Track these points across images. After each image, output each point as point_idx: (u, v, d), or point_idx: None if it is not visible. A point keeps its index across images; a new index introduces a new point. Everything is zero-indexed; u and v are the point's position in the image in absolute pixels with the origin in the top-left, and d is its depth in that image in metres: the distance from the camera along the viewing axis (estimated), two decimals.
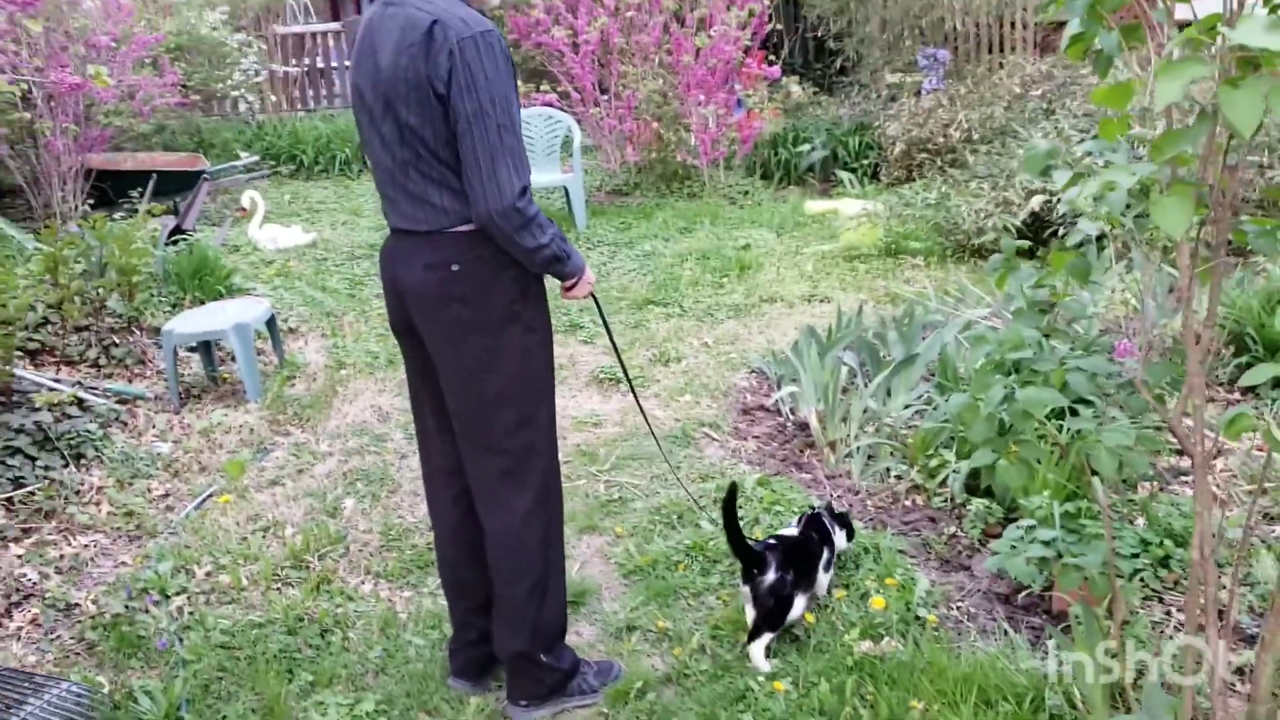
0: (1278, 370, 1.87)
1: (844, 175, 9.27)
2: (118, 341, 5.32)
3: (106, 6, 8.36)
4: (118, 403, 4.72)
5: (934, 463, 3.86)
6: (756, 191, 9.09)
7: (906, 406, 4.32)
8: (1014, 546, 2.85)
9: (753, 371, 5.14)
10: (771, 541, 3.00)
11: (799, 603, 2.91)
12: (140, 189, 8.16)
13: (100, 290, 5.39)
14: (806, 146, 9.41)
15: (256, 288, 6.50)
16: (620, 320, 5.96)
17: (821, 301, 6.17)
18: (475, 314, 2.43)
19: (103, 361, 5.22)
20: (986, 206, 6.66)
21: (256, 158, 10.11)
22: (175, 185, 8.70)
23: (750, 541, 2.94)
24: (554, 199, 9.09)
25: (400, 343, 2.68)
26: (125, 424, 4.62)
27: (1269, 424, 2.98)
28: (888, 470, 3.99)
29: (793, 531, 3.12)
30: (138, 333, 5.48)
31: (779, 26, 10.08)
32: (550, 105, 8.86)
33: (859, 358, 4.69)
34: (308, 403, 4.84)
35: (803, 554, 2.98)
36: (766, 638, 2.85)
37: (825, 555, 3.08)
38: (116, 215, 7.10)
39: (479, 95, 2.24)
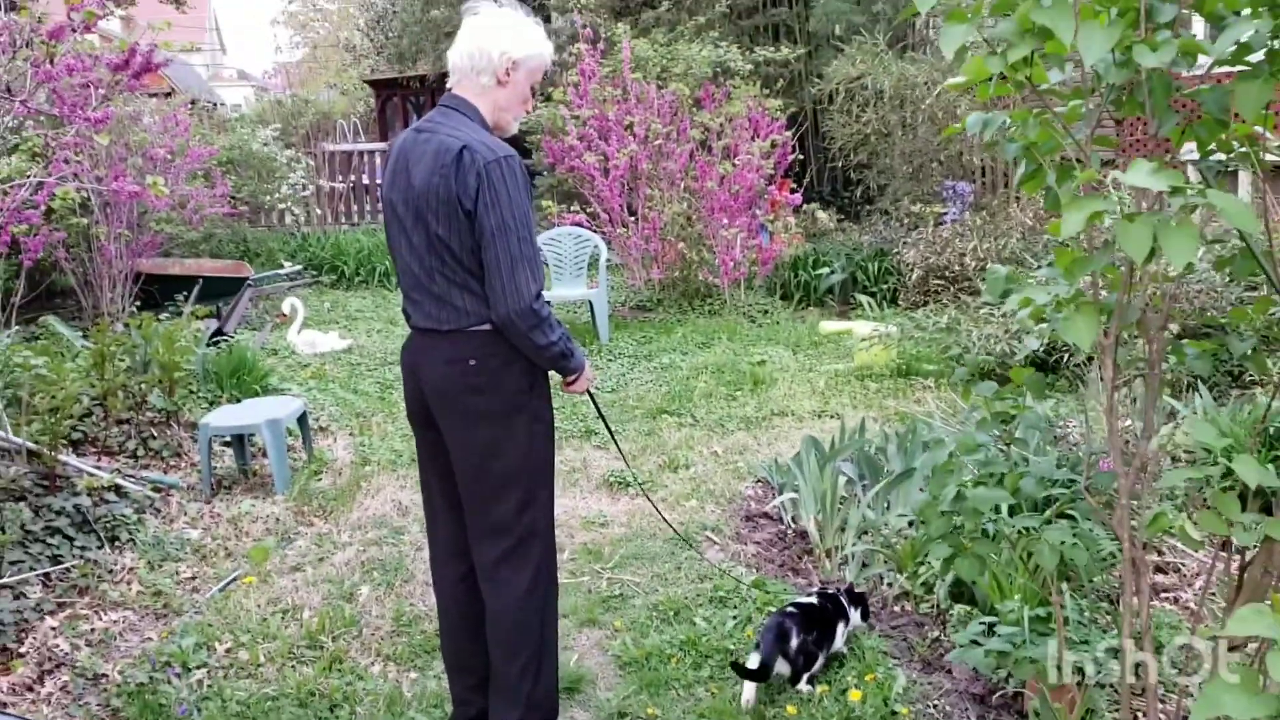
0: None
1: (863, 299, 9.59)
2: (156, 434, 5.63)
3: (165, 122, 8.95)
4: (153, 490, 4.99)
5: (923, 570, 4.04)
6: (776, 311, 9.42)
7: (901, 515, 4.51)
8: (975, 642, 3.02)
9: (758, 480, 5.35)
10: (791, 610, 3.38)
11: (820, 658, 3.36)
12: (186, 293, 8.61)
13: (143, 386, 5.72)
14: (826, 270, 9.77)
15: (291, 388, 6.83)
16: (633, 428, 6.22)
17: (831, 418, 6.40)
18: (488, 403, 2.70)
19: (141, 453, 5.51)
20: (996, 332, 6.92)
21: (299, 267, 10.61)
22: (219, 290, 9.16)
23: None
24: (580, 313, 9.45)
25: (415, 431, 2.94)
26: (159, 510, 4.88)
27: (1184, 521, 3.16)
28: (880, 577, 4.17)
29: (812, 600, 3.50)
30: (175, 427, 5.79)
31: (802, 157, 10.52)
32: (580, 225, 9.30)
33: (859, 469, 4.90)
34: (332, 495, 5.10)
35: (819, 618, 3.40)
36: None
37: (841, 627, 3.47)
38: (162, 316, 7.50)
39: (502, 211, 2.57)
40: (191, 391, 6.14)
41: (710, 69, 10.43)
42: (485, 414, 2.71)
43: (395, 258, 2.82)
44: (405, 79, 17.40)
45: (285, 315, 8.75)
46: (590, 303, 8.66)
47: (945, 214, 10.94)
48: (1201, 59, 1.90)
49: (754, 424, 6.29)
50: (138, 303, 8.58)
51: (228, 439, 5.66)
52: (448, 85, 2.81)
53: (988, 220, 9.36)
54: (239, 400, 6.30)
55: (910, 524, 4.42)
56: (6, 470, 4.33)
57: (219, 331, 8.06)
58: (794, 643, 3.25)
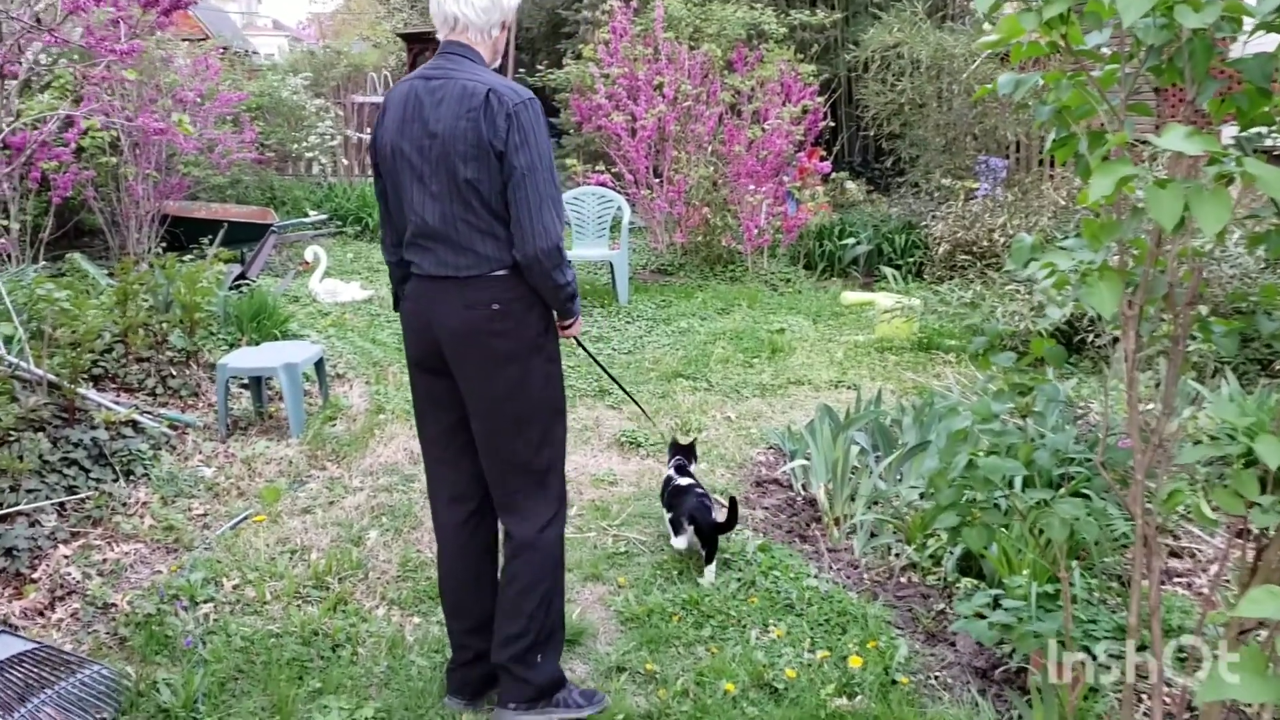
0: None
1: (888, 271, 9.50)
2: (175, 373, 5.65)
3: (196, 65, 8.93)
4: (169, 428, 5.02)
5: (931, 543, 4.02)
6: (798, 280, 9.36)
7: (913, 488, 4.48)
8: (980, 614, 3.00)
9: (770, 447, 5.33)
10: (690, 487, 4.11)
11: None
12: (211, 236, 8.62)
13: (164, 325, 5.74)
14: (851, 240, 9.69)
15: (310, 334, 6.84)
16: (648, 390, 6.20)
17: (848, 388, 6.36)
18: (510, 345, 2.76)
19: (159, 391, 5.54)
20: (1020, 309, 6.85)
21: (324, 216, 10.61)
22: (244, 236, 9.17)
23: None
24: (600, 274, 9.42)
25: (419, 379, 2.96)
26: (174, 448, 4.91)
27: (1200, 501, 3.13)
28: (888, 548, 4.15)
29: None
30: (194, 367, 5.81)
31: (834, 125, 10.41)
32: (604, 185, 9.25)
33: (873, 439, 4.87)
34: (345, 441, 5.11)
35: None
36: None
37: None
38: (185, 259, 7.53)
39: (530, 152, 2.64)
40: (211, 333, 6.16)
41: (744, 31, 10.33)
42: (508, 356, 2.76)
43: (395, 206, 2.84)
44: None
45: (308, 263, 8.76)
46: (611, 264, 8.63)
47: (977, 189, 10.83)
48: (1247, 22, 1.84)
49: (770, 391, 6.26)
50: (163, 244, 8.61)
51: (245, 381, 5.68)
52: (442, 39, 2.82)
53: (1019, 197, 9.24)
54: (258, 344, 6.32)
55: (921, 496, 4.40)
56: (26, 400, 4.36)
57: (242, 276, 8.07)
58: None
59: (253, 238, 9.08)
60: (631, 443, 5.30)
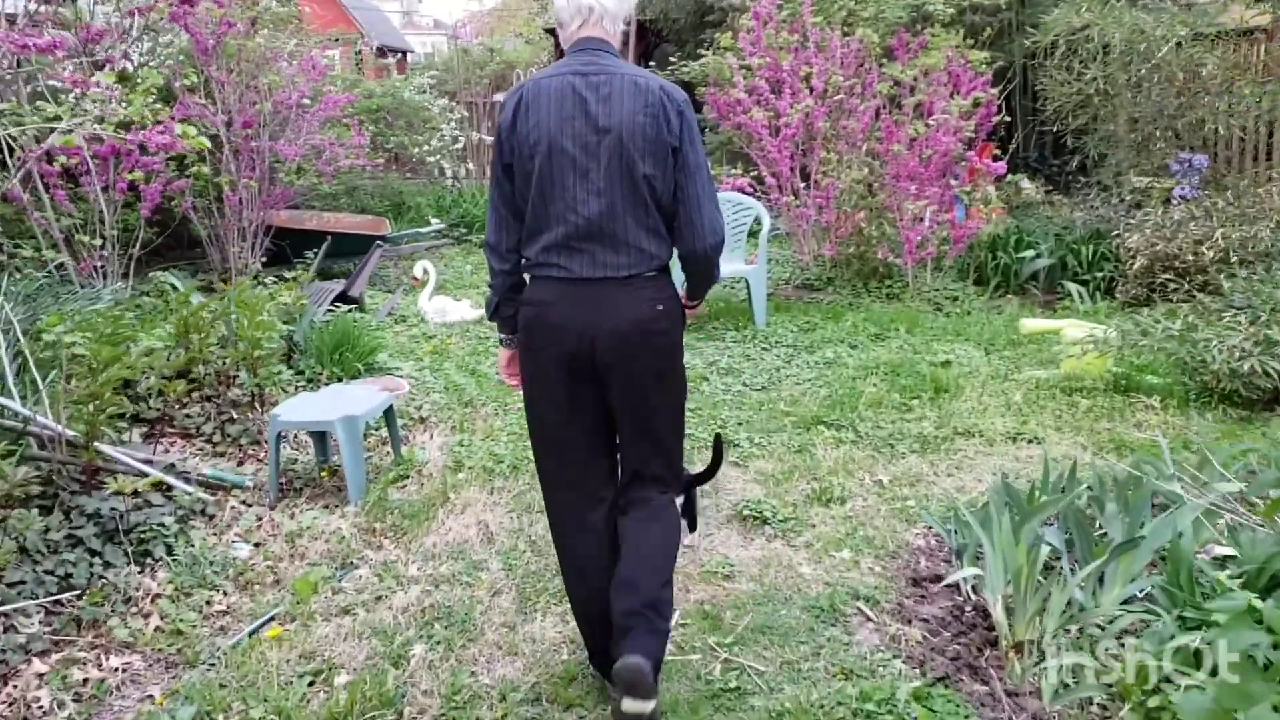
0: None
1: (1072, 288, 8.19)
2: (235, 417, 4.96)
3: (302, 65, 8.34)
4: (206, 492, 4.30)
5: (1153, 703, 2.89)
6: (967, 299, 8.13)
7: (1124, 608, 3.35)
8: None
9: (932, 527, 4.25)
10: None
11: None
12: (316, 250, 8.02)
13: (225, 361, 5.06)
14: (1030, 253, 8.38)
15: (401, 367, 6.08)
16: (781, 441, 5.19)
17: (1029, 442, 5.20)
18: (670, 342, 2.85)
19: (218, 438, 4.87)
20: (1243, 344, 5.53)
21: (441, 225, 9.94)
22: (353, 248, 8.56)
23: None
24: (735, 290, 8.42)
25: (560, 387, 2.83)
26: (210, 516, 4.18)
27: None
28: (1090, 700, 3.04)
29: None
30: (259, 409, 5.11)
31: (1008, 119, 9.10)
32: (741, 190, 8.22)
33: (1064, 529, 3.75)
34: (410, 511, 4.27)
35: None
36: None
37: None
38: (288, 274, 6.93)
39: (699, 150, 2.76)
40: (277, 372, 5.42)
41: (905, 13, 9.12)
42: (669, 354, 2.86)
43: (538, 208, 2.75)
44: None
45: (418, 279, 8.06)
46: (747, 280, 7.61)
47: (1175, 190, 9.35)
48: None
49: (931, 445, 5.16)
50: (264, 258, 8.05)
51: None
52: (573, 33, 2.82)
53: (1231, 203, 7.79)
54: (339, 378, 5.60)
55: (1142, 621, 3.27)
56: (14, 473, 3.65)
57: (344, 295, 7.42)
58: None
59: (363, 250, 8.45)
60: (756, 517, 4.30)
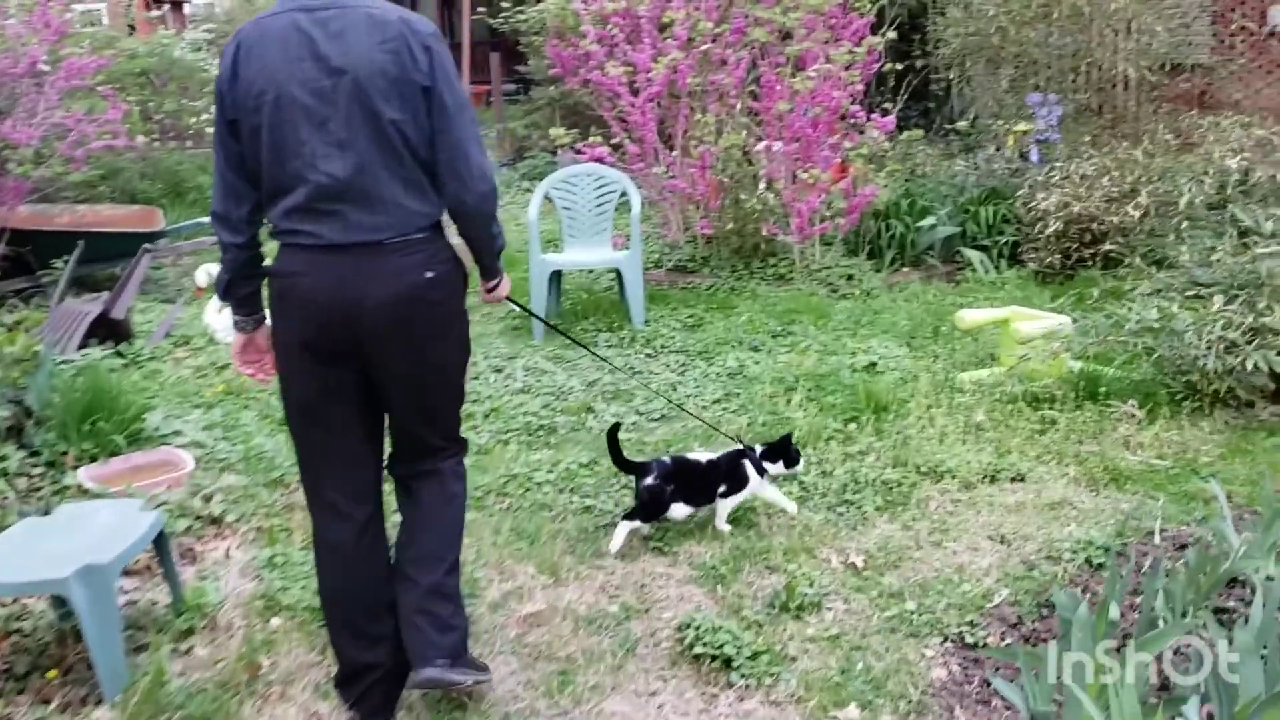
0: None
1: (973, 255, 7.26)
2: None
3: (33, 21, 6.44)
4: None
5: None
6: (864, 276, 7.05)
7: None
8: None
9: (949, 640, 3.11)
10: (665, 459, 3.66)
11: (677, 508, 3.61)
12: (67, 257, 6.25)
13: None
14: (930, 220, 7.37)
15: (182, 430, 4.50)
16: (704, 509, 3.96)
17: (1013, 480, 4.14)
18: (445, 314, 2.60)
19: None
20: (1232, 334, 4.61)
21: None
22: (119, 249, 6.80)
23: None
24: (600, 283, 7.10)
25: (314, 371, 2.55)
26: None
27: None
28: None
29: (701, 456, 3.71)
30: None
31: (897, 66, 8.01)
32: (599, 161, 6.87)
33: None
34: (199, 711, 2.78)
35: (693, 475, 3.64)
36: (635, 523, 3.61)
37: (725, 486, 3.68)
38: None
39: (455, 88, 2.46)
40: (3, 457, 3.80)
41: None
42: (444, 325, 2.61)
43: (271, 168, 2.42)
44: None
45: (202, 288, 6.39)
46: (619, 270, 6.30)
47: (1030, 135, 8.55)
48: None
49: (897, 497, 4.01)
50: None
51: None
52: None
53: (1148, 156, 6.96)
54: (94, 459, 4.03)
55: None
56: None
57: (102, 319, 5.71)
58: (646, 480, 3.57)
59: (132, 250, 6.67)
60: (714, 657, 3.02)
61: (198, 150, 9.92)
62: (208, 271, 6.29)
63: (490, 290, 2.81)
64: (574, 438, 4.69)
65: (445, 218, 2.60)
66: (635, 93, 7.06)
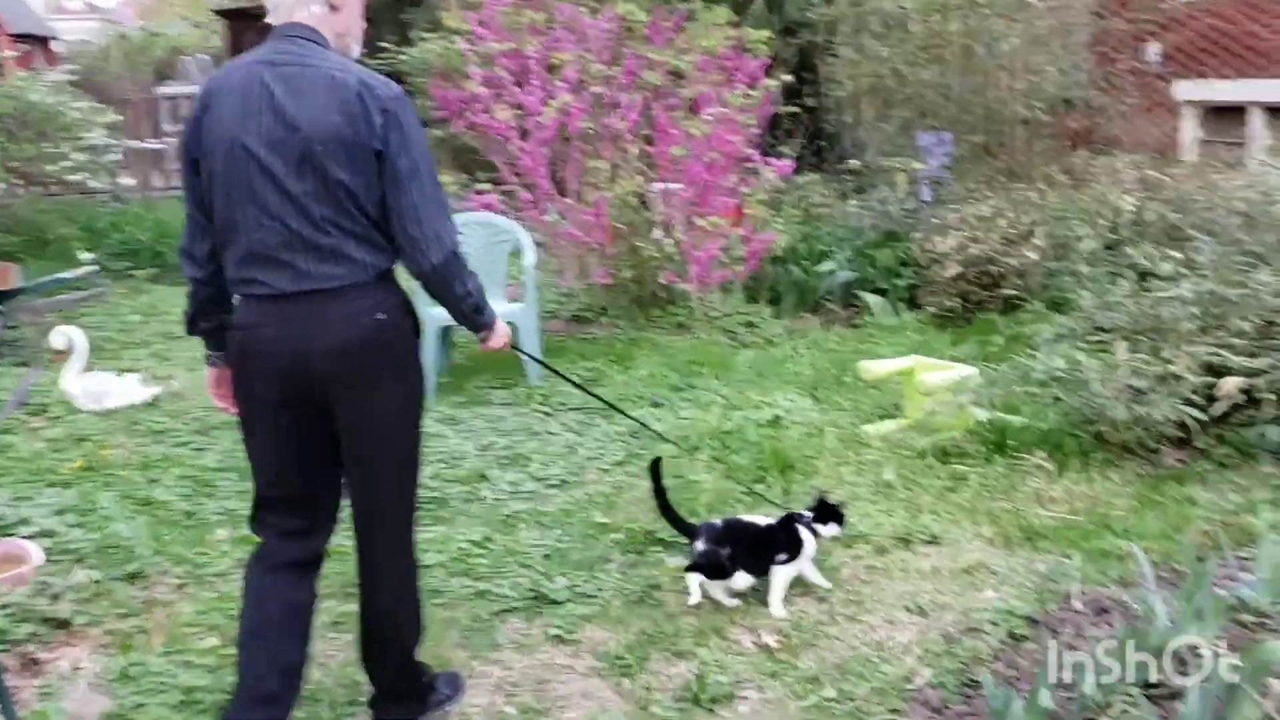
0: None
1: (871, 300, 7.18)
2: None
3: None
4: None
5: None
6: (765, 323, 6.91)
7: None
8: None
9: None
10: (714, 522, 3.53)
11: (740, 577, 3.45)
12: None
13: None
14: (829, 265, 7.29)
15: (32, 514, 4.07)
16: (613, 585, 3.71)
17: (927, 543, 3.99)
18: (397, 360, 2.59)
19: None
20: (1139, 383, 4.56)
21: (94, 265, 7.67)
22: None
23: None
24: None
25: (278, 419, 2.57)
26: None
27: None
28: None
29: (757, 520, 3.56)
30: None
31: (795, 109, 7.94)
32: (489, 209, 6.60)
33: None
34: None
35: (749, 538, 3.49)
36: (701, 577, 3.46)
37: (784, 555, 3.49)
38: None
39: (413, 152, 2.45)
40: None
41: None
42: (396, 372, 2.59)
43: (224, 216, 2.47)
44: (264, 9, 14.25)
45: (60, 352, 5.92)
46: (513, 324, 6.01)
47: (921, 173, 8.54)
48: None
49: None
50: None
51: None
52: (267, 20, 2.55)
53: (1040, 197, 7.00)
54: None
55: None
56: None
57: None
58: (699, 546, 3.43)
59: None
60: None
61: (63, 199, 9.38)
62: (66, 336, 5.82)
63: (484, 343, 2.81)
64: (466, 510, 4.39)
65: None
66: (525, 136, 6.83)
